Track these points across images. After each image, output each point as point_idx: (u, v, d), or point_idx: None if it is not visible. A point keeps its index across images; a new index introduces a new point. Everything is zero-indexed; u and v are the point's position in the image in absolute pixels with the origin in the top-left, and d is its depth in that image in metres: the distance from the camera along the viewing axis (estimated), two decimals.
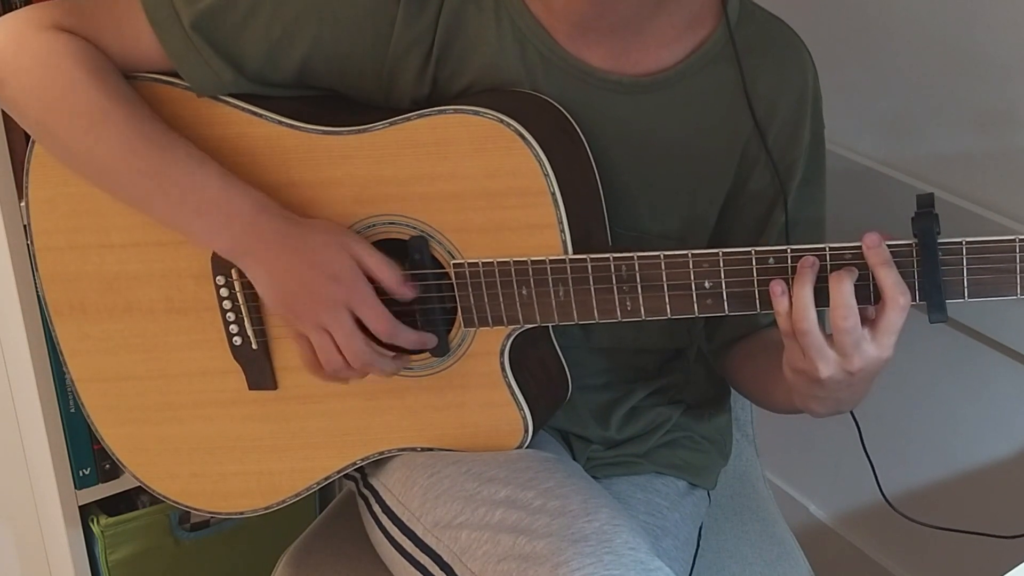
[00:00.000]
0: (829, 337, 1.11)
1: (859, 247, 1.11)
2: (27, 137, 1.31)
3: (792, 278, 1.12)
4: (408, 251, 1.23)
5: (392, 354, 1.24)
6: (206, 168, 1.21)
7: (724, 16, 1.27)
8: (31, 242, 1.36)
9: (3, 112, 1.46)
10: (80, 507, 1.70)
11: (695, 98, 1.27)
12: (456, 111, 1.19)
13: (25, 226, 1.48)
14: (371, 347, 1.21)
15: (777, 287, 1.12)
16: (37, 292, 1.51)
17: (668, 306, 1.17)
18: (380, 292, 1.21)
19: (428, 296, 1.24)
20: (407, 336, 1.22)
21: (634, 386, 1.41)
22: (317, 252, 1.19)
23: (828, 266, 1.12)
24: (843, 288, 1.09)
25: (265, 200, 1.21)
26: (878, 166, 1.67)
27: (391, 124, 1.21)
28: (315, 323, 1.20)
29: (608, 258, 1.17)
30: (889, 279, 1.09)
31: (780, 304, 1.12)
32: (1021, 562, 1.07)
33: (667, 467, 1.42)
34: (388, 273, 1.21)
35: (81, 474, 1.67)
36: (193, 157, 1.21)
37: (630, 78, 1.26)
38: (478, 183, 1.19)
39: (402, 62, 1.25)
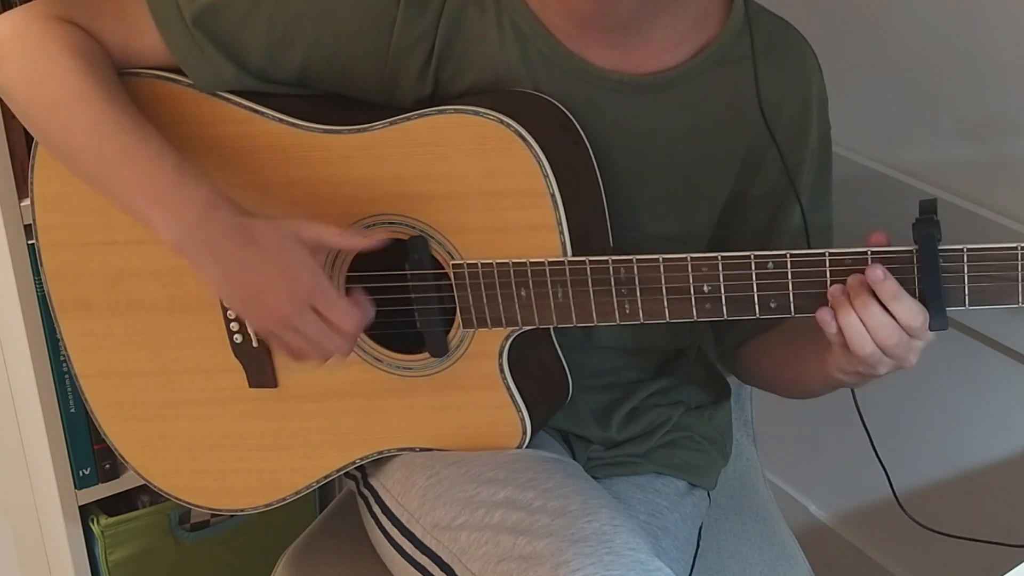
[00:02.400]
0: None
1: (860, 252, 1.11)
2: (28, 137, 1.32)
3: (791, 282, 1.13)
4: (407, 251, 1.23)
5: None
6: (163, 160, 1.18)
7: (740, 18, 1.26)
8: (36, 238, 1.36)
9: (3, 113, 1.46)
10: (80, 507, 1.70)
11: (698, 100, 1.27)
12: (456, 111, 1.18)
13: (26, 225, 1.49)
14: (348, 331, 1.19)
15: (826, 314, 1.12)
16: (38, 292, 1.52)
17: (667, 310, 1.17)
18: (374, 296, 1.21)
19: (427, 296, 1.23)
20: (367, 315, 1.20)
21: (635, 386, 1.41)
22: (271, 247, 1.16)
23: (828, 272, 1.12)
24: (873, 311, 1.10)
25: (217, 196, 1.18)
26: (881, 168, 1.67)
27: (391, 124, 1.21)
28: (283, 324, 1.17)
29: (607, 261, 1.17)
30: (902, 310, 1.10)
31: (830, 327, 1.12)
32: (1021, 562, 1.07)
33: (667, 467, 1.42)
34: (327, 230, 1.17)
35: (81, 474, 1.67)
36: (154, 147, 1.19)
37: (632, 77, 1.25)
38: (477, 183, 1.19)
39: (403, 62, 1.25)
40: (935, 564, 1.82)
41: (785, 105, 1.28)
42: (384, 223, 1.24)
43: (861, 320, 1.10)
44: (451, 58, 1.25)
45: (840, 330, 1.11)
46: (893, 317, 1.10)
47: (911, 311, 1.10)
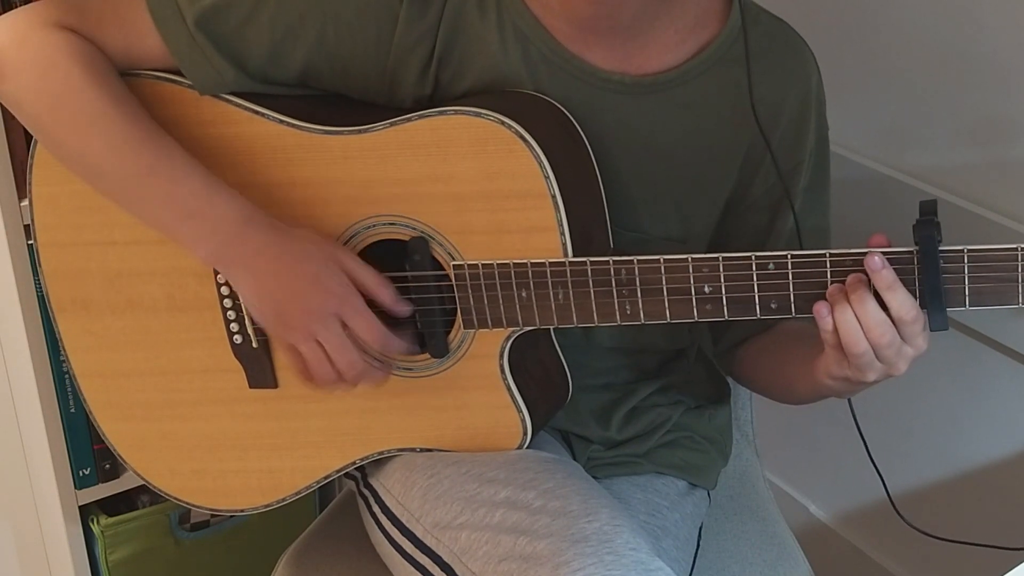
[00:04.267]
0: None
1: (860, 253, 1.11)
2: (28, 137, 1.32)
3: (792, 283, 1.13)
4: (408, 252, 1.23)
5: (380, 363, 1.24)
6: (192, 175, 1.20)
7: (739, 18, 1.26)
8: (34, 238, 1.36)
9: (3, 113, 1.46)
10: (80, 507, 1.70)
11: (698, 100, 1.27)
12: (457, 112, 1.18)
13: (26, 225, 1.49)
14: (363, 358, 1.21)
15: (822, 308, 1.12)
16: (38, 292, 1.52)
17: (667, 311, 1.17)
18: (371, 304, 1.21)
19: (428, 297, 1.24)
20: (397, 345, 1.22)
21: (635, 386, 1.41)
22: (306, 262, 1.19)
23: (829, 272, 1.12)
24: (869, 308, 1.10)
25: (251, 209, 1.20)
26: (882, 168, 1.67)
27: (392, 124, 1.21)
28: (306, 334, 1.19)
29: (608, 262, 1.17)
30: (895, 301, 1.10)
31: (826, 323, 1.12)
32: (1021, 563, 1.07)
33: (667, 467, 1.42)
34: (384, 291, 1.21)
35: (81, 474, 1.67)
36: (181, 163, 1.21)
37: (633, 78, 1.25)
38: (479, 184, 1.19)
39: (404, 63, 1.24)
40: (935, 564, 1.82)
41: (784, 105, 1.28)
42: (385, 223, 1.24)
43: (856, 316, 1.10)
44: (452, 59, 1.25)
45: (835, 328, 1.12)
46: (887, 311, 1.10)
47: (904, 304, 1.10)
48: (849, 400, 1.30)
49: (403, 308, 1.22)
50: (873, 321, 1.10)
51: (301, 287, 1.18)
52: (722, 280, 1.15)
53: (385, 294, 1.21)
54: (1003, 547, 1.48)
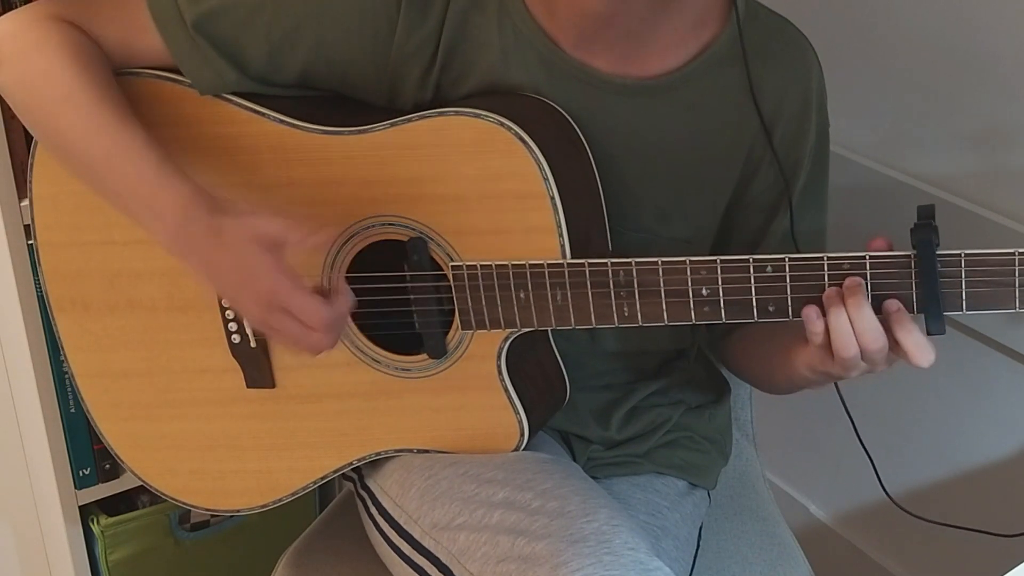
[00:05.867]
0: None
1: (858, 257, 1.11)
2: (28, 137, 1.32)
3: (789, 286, 1.13)
4: (407, 252, 1.23)
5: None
6: (145, 160, 1.18)
7: (735, 17, 1.26)
8: (34, 238, 1.36)
9: (3, 113, 1.46)
10: (80, 507, 1.70)
11: (700, 100, 1.27)
12: (457, 113, 1.18)
13: (26, 225, 1.49)
14: (332, 324, 1.16)
15: (812, 312, 1.12)
16: (38, 292, 1.52)
17: (665, 313, 1.17)
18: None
19: (426, 298, 1.23)
20: (341, 310, 1.18)
21: (634, 386, 1.41)
22: (235, 251, 1.15)
23: (827, 276, 1.12)
24: (864, 313, 1.10)
25: (195, 194, 1.16)
26: (881, 168, 1.67)
27: (392, 125, 1.21)
28: (263, 324, 1.17)
29: (606, 263, 1.17)
30: (909, 343, 1.10)
31: (815, 326, 1.12)
32: (1021, 562, 1.07)
33: (667, 467, 1.42)
34: (293, 232, 1.14)
35: (81, 474, 1.67)
36: (138, 148, 1.18)
37: (635, 80, 1.25)
38: (478, 185, 1.19)
39: (404, 68, 1.24)
40: (935, 563, 1.82)
41: (785, 103, 1.28)
42: (384, 224, 1.24)
43: (851, 320, 1.10)
44: (454, 65, 1.25)
45: (826, 329, 1.12)
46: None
47: (917, 346, 1.10)
48: (837, 387, 1.30)
49: (321, 237, 1.16)
50: (868, 326, 1.10)
51: (237, 280, 1.15)
52: (720, 283, 1.15)
53: (295, 234, 1.14)
54: (999, 534, 1.48)
